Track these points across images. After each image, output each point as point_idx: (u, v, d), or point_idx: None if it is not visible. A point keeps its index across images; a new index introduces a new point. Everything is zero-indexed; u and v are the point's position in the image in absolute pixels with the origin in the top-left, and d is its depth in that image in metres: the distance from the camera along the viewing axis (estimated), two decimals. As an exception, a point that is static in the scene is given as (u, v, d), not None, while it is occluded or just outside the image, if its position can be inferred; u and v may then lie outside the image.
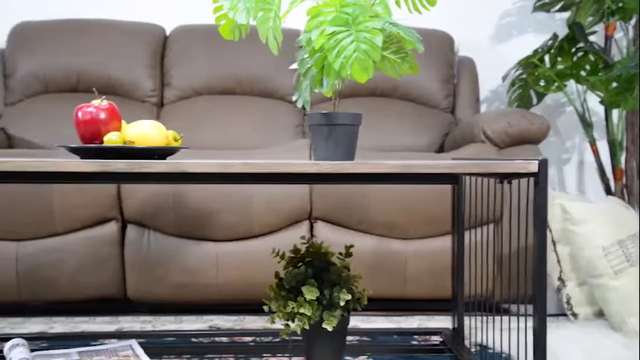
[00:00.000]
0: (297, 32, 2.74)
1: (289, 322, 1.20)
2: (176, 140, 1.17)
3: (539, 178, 0.93)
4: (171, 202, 1.95)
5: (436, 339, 1.60)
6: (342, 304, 1.14)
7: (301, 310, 1.12)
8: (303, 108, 2.67)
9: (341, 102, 2.72)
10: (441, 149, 2.56)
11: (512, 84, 2.70)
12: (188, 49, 2.66)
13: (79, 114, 1.12)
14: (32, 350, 1.34)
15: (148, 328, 1.88)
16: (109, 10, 2.81)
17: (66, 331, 1.83)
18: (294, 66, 1.13)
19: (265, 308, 1.20)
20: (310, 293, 1.11)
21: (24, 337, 1.58)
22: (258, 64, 2.67)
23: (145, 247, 1.97)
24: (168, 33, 2.75)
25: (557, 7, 2.73)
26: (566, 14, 2.88)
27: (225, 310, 2.05)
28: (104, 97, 1.15)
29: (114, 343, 1.42)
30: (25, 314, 1.99)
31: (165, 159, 1.16)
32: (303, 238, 1.23)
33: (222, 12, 1.08)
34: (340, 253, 1.24)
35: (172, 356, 1.55)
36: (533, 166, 0.94)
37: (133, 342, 1.42)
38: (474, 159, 1.16)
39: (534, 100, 2.77)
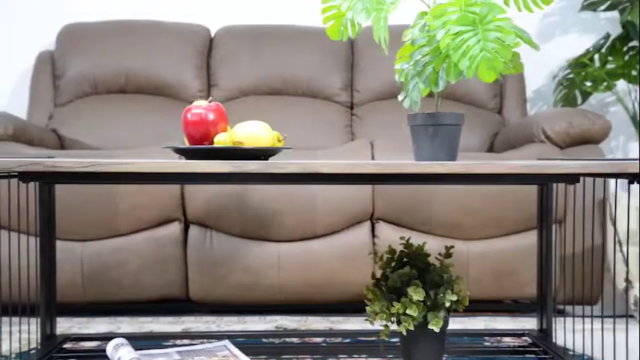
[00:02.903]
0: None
1: (388, 323, 1.20)
2: (279, 141, 1.17)
3: (675, 179, 0.92)
4: (235, 203, 1.95)
5: (508, 340, 1.60)
6: (447, 305, 1.13)
7: (407, 311, 1.11)
8: (357, 109, 2.64)
9: (385, 103, 2.72)
10: (490, 149, 2.55)
11: (560, 83, 2.69)
12: (234, 50, 2.67)
13: (188, 115, 1.12)
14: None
15: (214, 328, 1.88)
16: (143, 11, 2.80)
17: (133, 331, 1.83)
18: (401, 65, 1.12)
19: (368, 309, 1.20)
20: (417, 294, 1.11)
21: (94, 338, 1.59)
22: (304, 64, 2.67)
23: (207, 247, 1.97)
24: (212, 34, 2.75)
25: (604, 6, 2.73)
26: (611, 14, 2.87)
27: (286, 310, 2.04)
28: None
29: (208, 344, 1.42)
30: (89, 314, 1.99)
31: (267, 159, 1.16)
32: (402, 238, 1.23)
33: (331, 12, 1.08)
34: (440, 254, 1.24)
35: (250, 357, 1.54)
36: (669, 166, 0.93)
37: (227, 342, 1.42)
38: (584, 159, 1.16)
39: (579, 100, 2.76)
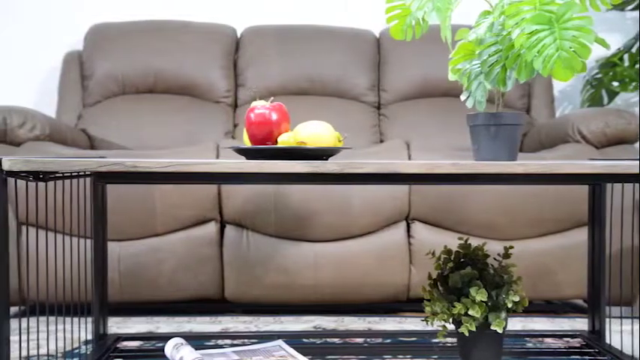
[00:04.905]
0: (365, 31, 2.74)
1: (446, 324, 1.20)
2: (340, 140, 1.16)
3: None
4: (271, 203, 1.95)
5: (551, 341, 1.59)
6: (509, 305, 1.13)
7: (469, 312, 1.11)
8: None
9: (412, 103, 2.71)
10: (519, 149, 2.54)
11: (589, 83, 2.68)
12: (261, 50, 2.66)
13: (252, 115, 1.12)
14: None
15: (252, 328, 1.87)
16: (169, 11, 2.81)
17: (171, 330, 1.83)
18: (462, 65, 1.12)
19: (427, 310, 1.19)
20: (480, 294, 1.11)
21: (144, 337, 1.58)
22: (331, 64, 2.66)
23: (243, 247, 1.97)
24: (238, 34, 2.75)
25: (632, 5, 2.72)
26: (637, 13, 2.86)
27: (322, 310, 2.04)
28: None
29: (262, 343, 1.42)
30: (125, 313, 1.99)
31: (327, 159, 1.16)
32: (460, 239, 1.22)
33: (395, 12, 1.08)
34: (499, 254, 1.24)
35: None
36: None
37: (281, 342, 1.41)
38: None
39: (605, 100, 2.75)
